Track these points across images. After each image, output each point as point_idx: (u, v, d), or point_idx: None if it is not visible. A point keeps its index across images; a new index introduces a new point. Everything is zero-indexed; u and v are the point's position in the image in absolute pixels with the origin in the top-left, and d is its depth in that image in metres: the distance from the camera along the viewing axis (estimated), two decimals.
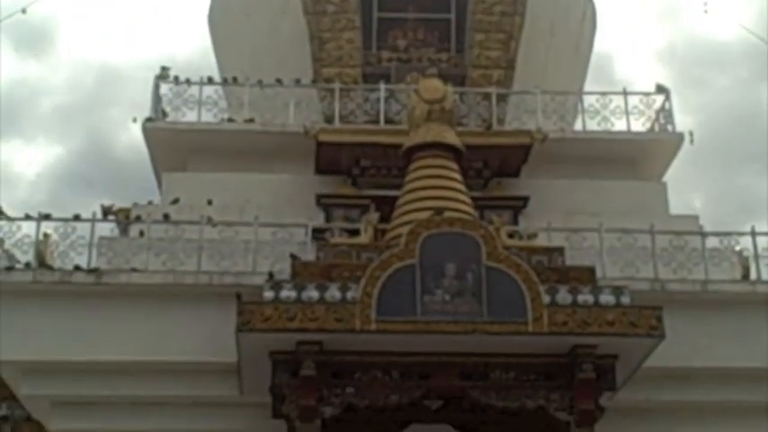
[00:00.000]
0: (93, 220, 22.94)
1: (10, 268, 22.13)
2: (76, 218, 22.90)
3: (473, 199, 22.59)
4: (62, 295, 21.95)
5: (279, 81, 27.41)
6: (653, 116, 27.75)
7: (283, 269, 21.38)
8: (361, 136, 25.87)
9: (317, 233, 23.24)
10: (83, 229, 22.82)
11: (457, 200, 21.85)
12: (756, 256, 23.21)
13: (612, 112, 27.62)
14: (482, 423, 21.51)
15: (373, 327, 18.95)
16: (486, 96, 27.34)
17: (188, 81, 27.29)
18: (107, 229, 23.78)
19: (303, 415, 19.40)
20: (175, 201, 25.27)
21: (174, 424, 22.22)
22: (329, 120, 26.91)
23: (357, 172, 25.93)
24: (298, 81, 27.56)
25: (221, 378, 21.64)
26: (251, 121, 27.00)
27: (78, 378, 21.88)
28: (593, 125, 27.58)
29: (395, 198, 22.57)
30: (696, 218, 25.73)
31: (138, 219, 23.92)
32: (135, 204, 25.35)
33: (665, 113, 27.63)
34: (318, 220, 24.71)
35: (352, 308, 18.95)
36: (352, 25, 28.98)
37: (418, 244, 19.41)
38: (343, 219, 24.98)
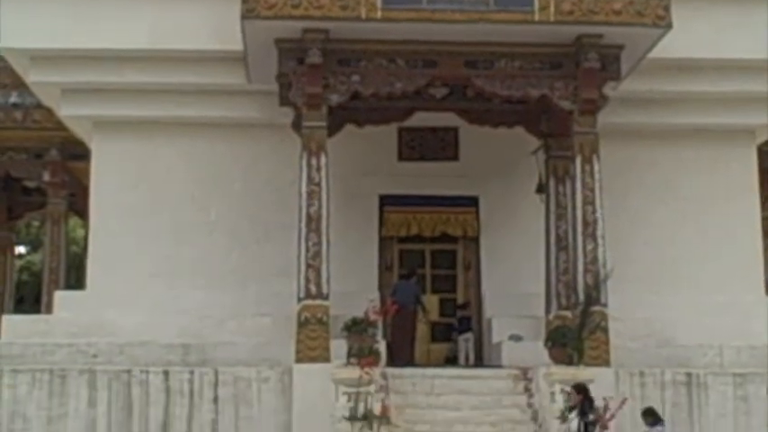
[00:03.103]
0: None
1: None
2: None
3: None
4: None
5: None
6: None
7: None
8: None
9: None
10: None
11: None
12: None
13: None
14: (486, 112, 21.81)
15: (379, 15, 18.91)
16: None
17: None
18: None
19: (309, 102, 19.67)
20: None
21: (181, 111, 22.61)
22: None
23: None
24: None
25: (228, 66, 21.81)
26: None
27: (87, 65, 22.07)
28: None
29: None
30: None
31: None
32: None
33: None
34: None
35: None
36: None
37: None
38: None
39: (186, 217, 22.96)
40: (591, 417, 15.64)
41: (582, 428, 15.56)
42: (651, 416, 16.57)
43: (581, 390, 16.12)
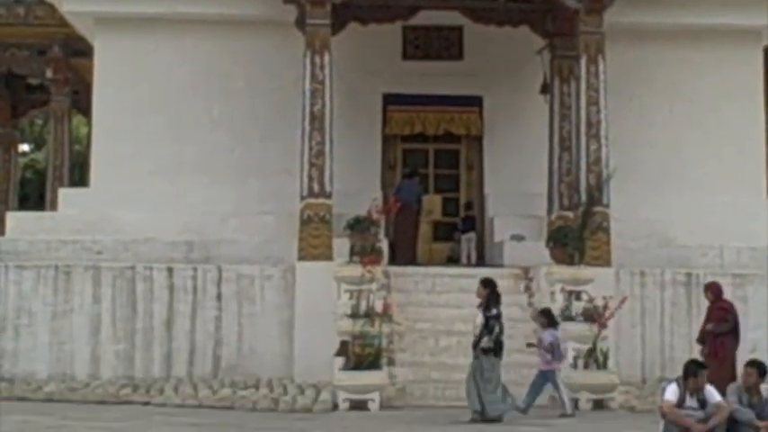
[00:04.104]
0: None
1: None
2: None
3: None
4: None
5: None
6: None
7: None
8: None
9: None
10: None
11: None
12: None
13: None
14: (490, 10, 21.59)
15: None
16: None
17: None
18: None
19: None
20: None
21: (184, 8, 22.41)
22: None
23: None
24: None
25: None
26: None
27: None
28: None
29: None
30: None
31: None
32: None
33: None
34: None
35: None
36: None
37: None
38: None
39: (189, 114, 22.90)
40: (494, 311, 15.64)
41: (484, 323, 15.57)
42: (546, 317, 16.59)
43: (487, 284, 16.01)
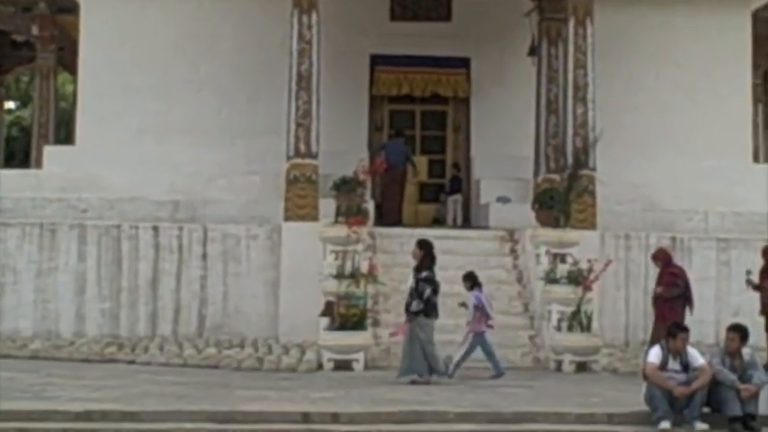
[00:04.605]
0: None
1: None
2: None
3: None
4: None
5: None
6: None
7: None
8: None
9: None
10: None
11: None
12: None
13: None
14: None
15: None
16: None
17: None
18: None
19: None
20: None
21: None
22: None
23: None
24: None
25: None
26: None
27: None
28: None
29: None
30: None
31: None
32: None
33: None
34: None
35: None
36: None
37: None
38: None
39: (175, 74, 22.81)
40: (424, 274, 15.55)
41: (414, 286, 15.56)
42: (470, 280, 16.57)
43: (423, 246, 15.98)
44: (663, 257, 17.33)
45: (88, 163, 21.65)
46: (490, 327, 16.38)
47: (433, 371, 15.46)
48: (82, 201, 20.72)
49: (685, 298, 16.80)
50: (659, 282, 17.03)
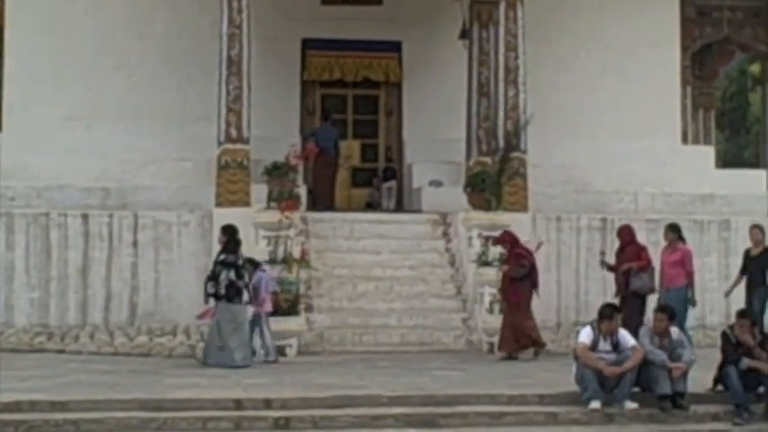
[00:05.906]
0: None
1: None
2: None
3: None
4: None
5: None
6: None
7: None
8: None
9: None
10: None
11: None
12: None
13: None
14: None
15: None
16: None
17: None
18: None
19: None
20: None
21: None
22: None
23: None
24: None
25: None
26: None
27: None
28: None
29: None
30: None
31: None
32: None
33: None
34: None
35: None
36: None
37: None
38: None
39: (105, 60, 22.51)
40: (222, 257, 15.66)
41: (212, 269, 15.78)
42: (250, 263, 16.68)
43: (225, 231, 16.15)
44: (509, 239, 17.19)
45: (16, 150, 21.26)
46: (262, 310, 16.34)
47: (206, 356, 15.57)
48: (9, 189, 20.37)
49: (530, 279, 16.89)
50: (506, 262, 17.06)
